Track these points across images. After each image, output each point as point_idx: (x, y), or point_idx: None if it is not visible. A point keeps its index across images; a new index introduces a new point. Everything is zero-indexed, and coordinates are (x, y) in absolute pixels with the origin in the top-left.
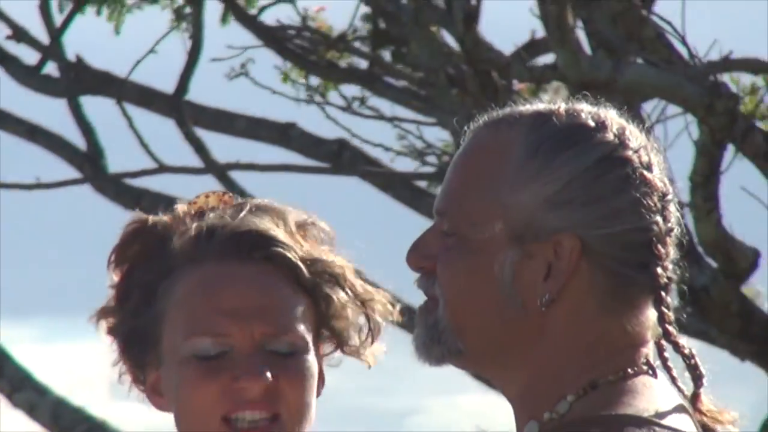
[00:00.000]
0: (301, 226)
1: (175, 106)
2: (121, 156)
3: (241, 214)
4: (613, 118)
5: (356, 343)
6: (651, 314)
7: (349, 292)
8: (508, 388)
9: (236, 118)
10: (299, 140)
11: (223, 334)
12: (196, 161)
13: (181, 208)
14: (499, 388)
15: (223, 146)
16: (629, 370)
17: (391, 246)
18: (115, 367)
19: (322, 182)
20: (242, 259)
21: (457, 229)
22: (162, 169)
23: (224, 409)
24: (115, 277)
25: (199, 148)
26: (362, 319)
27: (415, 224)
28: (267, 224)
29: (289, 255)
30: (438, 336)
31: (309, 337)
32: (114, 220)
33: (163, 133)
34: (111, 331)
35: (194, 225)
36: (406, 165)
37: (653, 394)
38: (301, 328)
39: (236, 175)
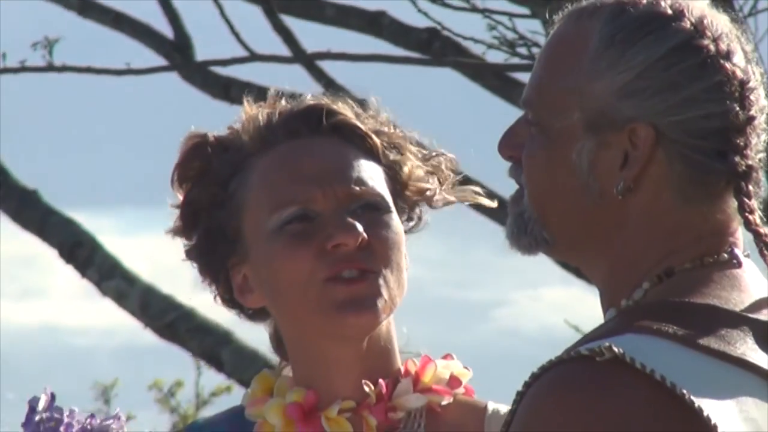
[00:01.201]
0: (366, 109)
1: None
2: (208, 45)
3: (300, 99)
4: (694, 6)
5: (437, 194)
6: (732, 203)
7: (415, 158)
8: (594, 275)
9: (325, 6)
10: (389, 29)
11: (307, 200)
12: (285, 50)
13: (243, 115)
14: (588, 275)
15: (311, 35)
16: (708, 258)
17: (484, 136)
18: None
19: (413, 72)
20: (312, 134)
21: (539, 118)
22: (251, 57)
23: (323, 272)
24: (180, 196)
25: (288, 37)
26: (434, 182)
27: (507, 114)
28: (329, 101)
29: (357, 123)
30: (525, 225)
31: (390, 199)
32: (202, 109)
33: (251, 23)
34: (186, 254)
35: (258, 115)
36: (497, 57)
37: (732, 284)
38: (381, 186)
39: (325, 65)
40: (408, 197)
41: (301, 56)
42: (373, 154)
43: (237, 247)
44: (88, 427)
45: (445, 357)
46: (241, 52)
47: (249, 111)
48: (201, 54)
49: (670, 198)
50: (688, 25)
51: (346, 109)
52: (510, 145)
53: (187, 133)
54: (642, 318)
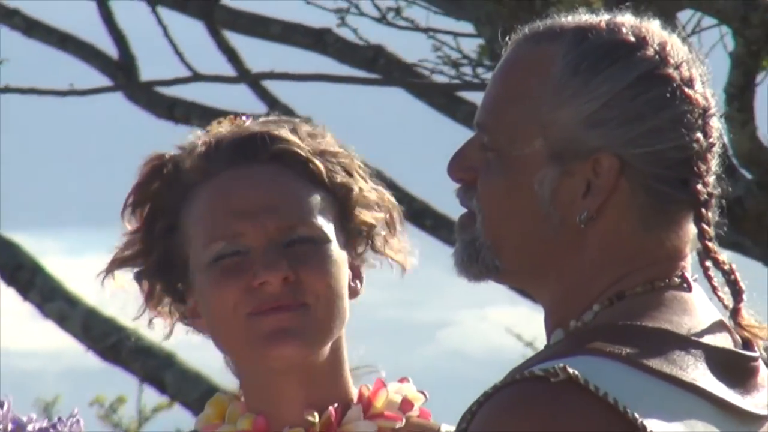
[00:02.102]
0: (311, 132)
1: (209, 9)
2: (153, 63)
3: (245, 124)
4: (654, 32)
5: (382, 238)
6: (691, 229)
7: (363, 180)
8: (543, 299)
9: (271, 23)
10: (334, 46)
11: (237, 235)
12: (229, 69)
13: (194, 136)
14: (536, 297)
15: (257, 53)
16: (659, 282)
17: (430, 153)
18: (142, 315)
19: (359, 90)
20: (250, 162)
21: (496, 144)
22: (196, 77)
23: (248, 308)
24: (135, 220)
25: (232, 55)
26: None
27: (454, 131)
28: (271, 126)
29: (296, 150)
30: (476, 253)
31: (329, 228)
32: (147, 129)
33: (196, 40)
34: (139, 275)
35: (200, 141)
36: (441, 77)
37: (683, 308)
38: (319, 218)
39: (270, 84)
40: (358, 218)
41: (245, 76)
42: (316, 180)
43: (187, 275)
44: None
45: (401, 380)
46: (186, 72)
47: (193, 138)
48: (146, 73)
49: (630, 226)
50: (651, 52)
51: (287, 134)
52: (461, 167)
53: (148, 155)
54: (593, 340)
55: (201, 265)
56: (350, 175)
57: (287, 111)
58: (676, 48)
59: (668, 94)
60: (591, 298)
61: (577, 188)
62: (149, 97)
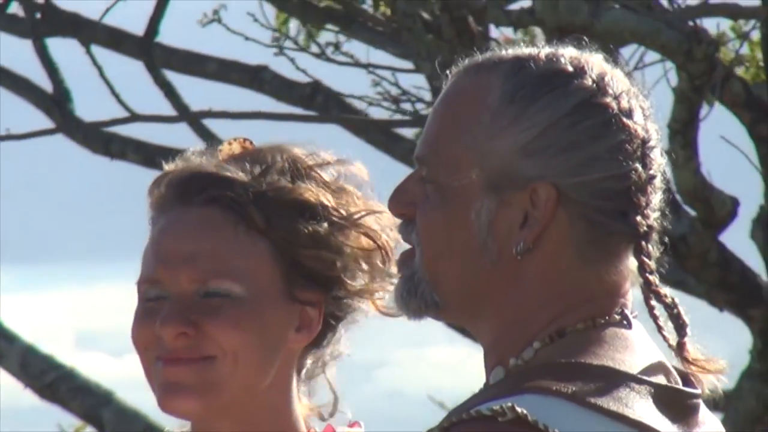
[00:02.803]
0: (293, 162)
1: (145, 48)
2: (89, 98)
3: (210, 158)
4: (594, 62)
5: (355, 282)
6: (630, 263)
7: (332, 218)
8: (482, 336)
9: (207, 61)
10: (271, 83)
11: (156, 281)
12: (166, 106)
13: (181, 158)
14: (475, 335)
15: (193, 90)
16: (600, 319)
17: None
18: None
19: (297, 127)
20: (186, 204)
21: (434, 176)
22: (133, 117)
23: (155, 352)
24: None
25: (170, 92)
26: (362, 248)
27: (392, 169)
28: (220, 165)
29: (231, 194)
30: (415, 288)
31: (254, 281)
32: (83, 165)
33: (132, 77)
34: None
35: (175, 169)
36: (380, 112)
37: (624, 344)
38: (241, 273)
39: (209, 122)
40: (305, 266)
41: (184, 114)
42: (255, 226)
43: None
44: None
45: (352, 425)
46: (123, 111)
47: (179, 160)
48: (83, 111)
49: (569, 259)
50: (589, 82)
51: (232, 174)
52: (401, 202)
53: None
54: (536, 378)
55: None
56: (303, 215)
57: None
58: (617, 79)
59: (605, 123)
60: (530, 334)
61: (514, 219)
62: (85, 133)
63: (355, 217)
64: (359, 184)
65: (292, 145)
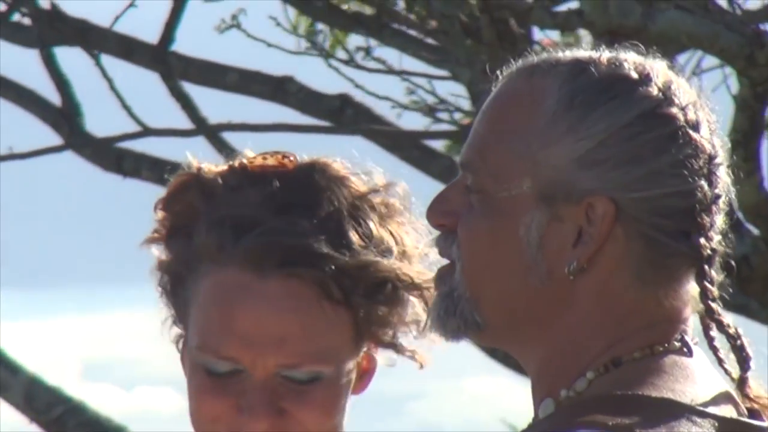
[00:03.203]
0: (358, 206)
1: (160, 57)
2: (99, 111)
3: (279, 206)
4: (660, 70)
5: (408, 344)
6: (692, 288)
7: (401, 290)
8: (527, 363)
9: (227, 71)
10: (297, 95)
11: (233, 359)
12: (183, 119)
13: (236, 164)
14: (521, 363)
15: (212, 103)
16: (659, 347)
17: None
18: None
19: (323, 142)
20: (265, 273)
21: (481, 185)
22: (146, 132)
23: (229, 428)
24: (161, 222)
25: (187, 104)
26: (419, 311)
27: (426, 187)
28: (303, 227)
29: (319, 273)
30: (453, 306)
31: (340, 358)
32: (92, 184)
33: (146, 89)
34: (158, 268)
35: (223, 216)
36: (415, 123)
37: (685, 374)
38: (329, 352)
39: (229, 136)
40: (376, 336)
41: (202, 127)
42: (334, 298)
43: (185, 326)
44: None
45: None
46: (136, 125)
47: (235, 171)
48: (92, 125)
49: (625, 280)
50: (655, 90)
51: (316, 243)
52: (442, 212)
53: (185, 164)
54: (590, 412)
55: (191, 357)
56: (381, 292)
57: None
58: (683, 89)
59: (671, 136)
60: (583, 363)
61: (568, 235)
62: (95, 149)
63: (425, 285)
64: (404, 205)
65: (330, 162)
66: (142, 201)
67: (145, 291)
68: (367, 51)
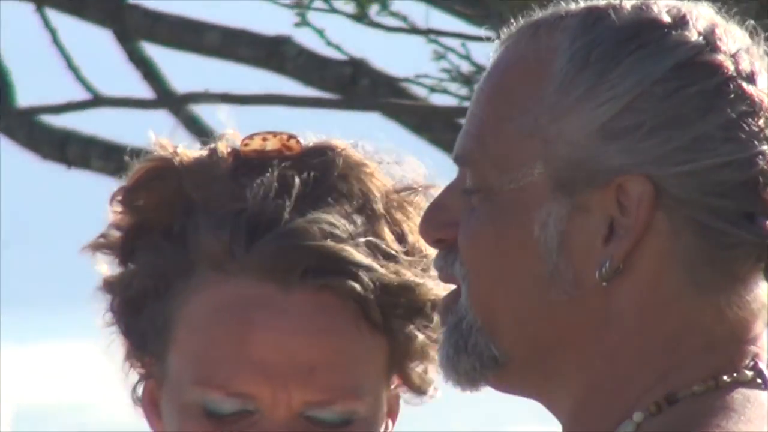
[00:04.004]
0: (393, 205)
1: (116, 13)
2: (37, 83)
3: (298, 198)
4: (699, 12)
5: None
6: (761, 292)
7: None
8: (557, 404)
9: (206, 30)
10: (296, 61)
11: (247, 396)
12: (145, 91)
13: (225, 146)
14: (547, 405)
15: (184, 71)
16: (725, 377)
17: None
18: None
19: (329, 119)
20: (289, 284)
21: (482, 180)
22: (97, 101)
23: None
24: (120, 220)
25: (150, 72)
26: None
27: None
28: (335, 227)
29: (358, 287)
30: (464, 340)
31: (376, 396)
32: (27, 175)
33: (99, 52)
34: (107, 286)
35: (230, 211)
36: (447, 97)
37: (759, 414)
38: (366, 387)
39: (203, 111)
40: (407, 372)
41: (168, 98)
42: (372, 320)
43: (161, 362)
44: None
45: None
46: (84, 95)
47: (226, 156)
48: (27, 97)
49: (675, 284)
50: (694, 35)
51: (352, 249)
52: (438, 223)
53: (153, 144)
54: None
55: (182, 397)
56: (423, 318)
57: None
58: (731, 33)
59: (718, 90)
60: (629, 401)
61: (596, 229)
62: (31, 130)
63: None
64: None
65: (347, 145)
66: (93, 198)
67: (87, 317)
68: (384, 4)
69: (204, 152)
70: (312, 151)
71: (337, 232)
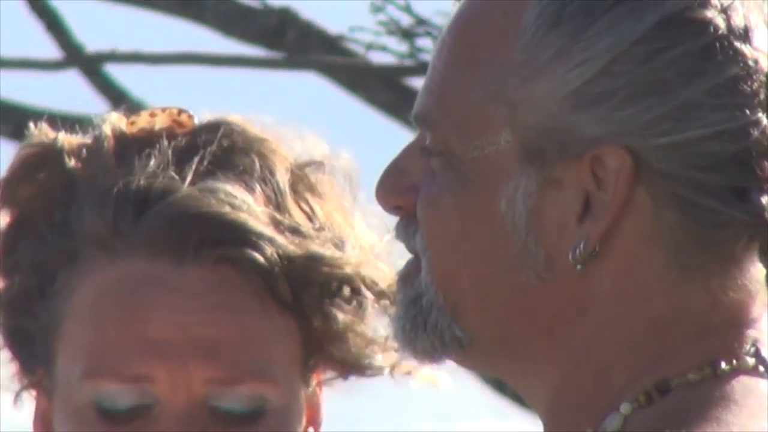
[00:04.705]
0: (297, 180)
1: None
2: None
3: (192, 171)
4: None
5: (374, 361)
6: (757, 272)
7: (365, 297)
8: (534, 396)
9: None
10: (216, 10)
11: (141, 378)
12: (50, 49)
13: (110, 127)
14: (524, 397)
15: (94, 25)
16: (724, 364)
17: (367, 176)
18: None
19: (255, 78)
20: (184, 260)
21: (443, 145)
22: None
23: None
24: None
25: (54, 25)
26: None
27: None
28: (233, 197)
29: (260, 258)
30: (423, 318)
31: (288, 382)
32: None
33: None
34: None
35: (114, 186)
36: (385, 54)
37: (760, 405)
38: (275, 370)
39: (115, 71)
40: (330, 353)
41: (75, 57)
42: (280, 297)
43: (50, 369)
44: None
45: None
46: None
47: (110, 135)
48: None
49: (658, 266)
50: None
51: (252, 219)
52: (397, 188)
53: (29, 133)
54: None
55: (72, 398)
56: (339, 295)
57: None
58: None
59: (707, 50)
60: (614, 391)
61: (569, 206)
62: None
63: (392, 292)
64: (351, 188)
65: (244, 120)
66: None
67: None
68: None
69: (87, 137)
70: (206, 127)
71: (235, 201)
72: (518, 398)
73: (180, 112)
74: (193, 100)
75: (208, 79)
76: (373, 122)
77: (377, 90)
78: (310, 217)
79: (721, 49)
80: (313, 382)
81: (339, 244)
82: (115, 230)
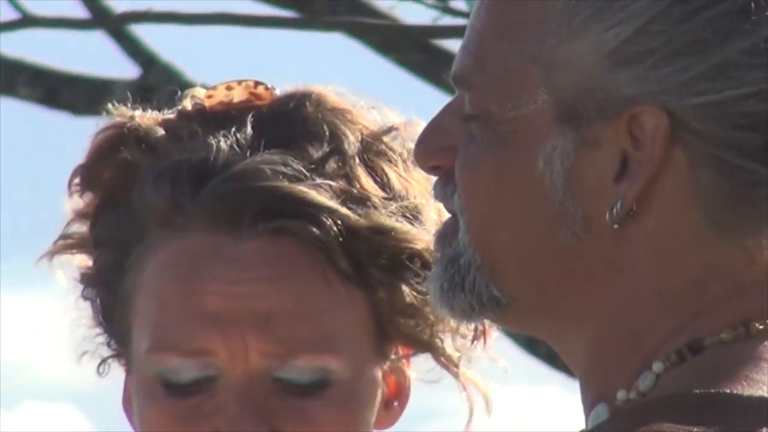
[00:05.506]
0: (373, 149)
1: None
2: None
3: (255, 144)
4: None
5: (448, 348)
6: None
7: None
8: (572, 356)
9: None
10: None
11: (201, 351)
12: (78, 9)
13: (189, 104)
14: (563, 357)
15: None
16: (757, 324)
17: None
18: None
19: (285, 40)
20: (241, 231)
21: (480, 104)
22: (27, 21)
23: None
24: (85, 205)
25: None
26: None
27: (435, 103)
28: (293, 168)
29: (317, 230)
30: (461, 277)
31: (355, 355)
32: None
33: None
34: (84, 278)
35: (174, 164)
36: (418, 14)
37: None
38: (338, 342)
39: (143, 31)
40: (400, 329)
41: (103, 19)
42: (341, 269)
43: (127, 344)
44: None
45: None
46: (8, 13)
47: (187, 112)
48: None
49: (694, 226)
50: None
51: (314, 192)
52: (435, 149)
53: (105, 117)
54: (658, 418)
55: (141, 371)
56: (408, 268)
57: (170, 76)
58: None
59: (743, 11)
60: (648, 350)
61: (606, 165)
62: None
63: None
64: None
65: (325, 91)
66: (15, 129)
67: (21, 266)
68: None
69: (167, 116)
70: (285, 99)
71: (293, 172)
72: (551, 359)
73: (257, 84)
74: (226, 69)
75: (238, 40)
76: (404, 83)
77: (408, 51)
78: (383, 186)
79: (757, 9)
80: (394, 356)
81: (414, 215)
82: (174, 206)
